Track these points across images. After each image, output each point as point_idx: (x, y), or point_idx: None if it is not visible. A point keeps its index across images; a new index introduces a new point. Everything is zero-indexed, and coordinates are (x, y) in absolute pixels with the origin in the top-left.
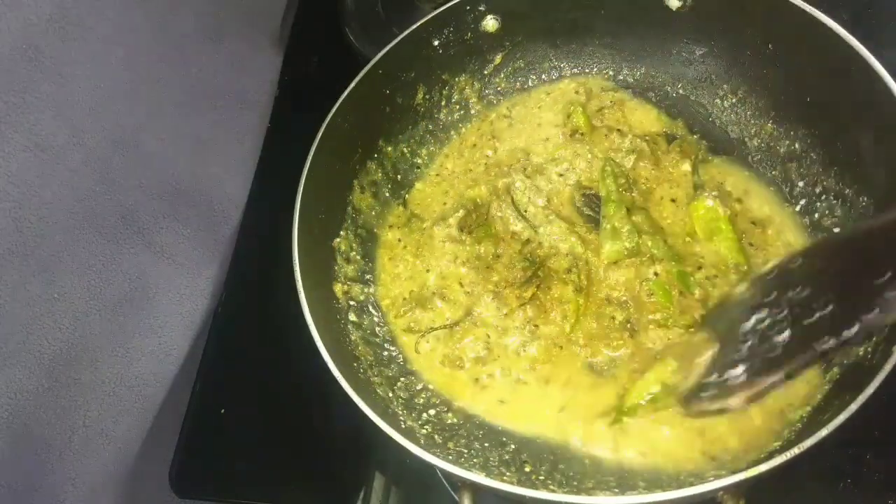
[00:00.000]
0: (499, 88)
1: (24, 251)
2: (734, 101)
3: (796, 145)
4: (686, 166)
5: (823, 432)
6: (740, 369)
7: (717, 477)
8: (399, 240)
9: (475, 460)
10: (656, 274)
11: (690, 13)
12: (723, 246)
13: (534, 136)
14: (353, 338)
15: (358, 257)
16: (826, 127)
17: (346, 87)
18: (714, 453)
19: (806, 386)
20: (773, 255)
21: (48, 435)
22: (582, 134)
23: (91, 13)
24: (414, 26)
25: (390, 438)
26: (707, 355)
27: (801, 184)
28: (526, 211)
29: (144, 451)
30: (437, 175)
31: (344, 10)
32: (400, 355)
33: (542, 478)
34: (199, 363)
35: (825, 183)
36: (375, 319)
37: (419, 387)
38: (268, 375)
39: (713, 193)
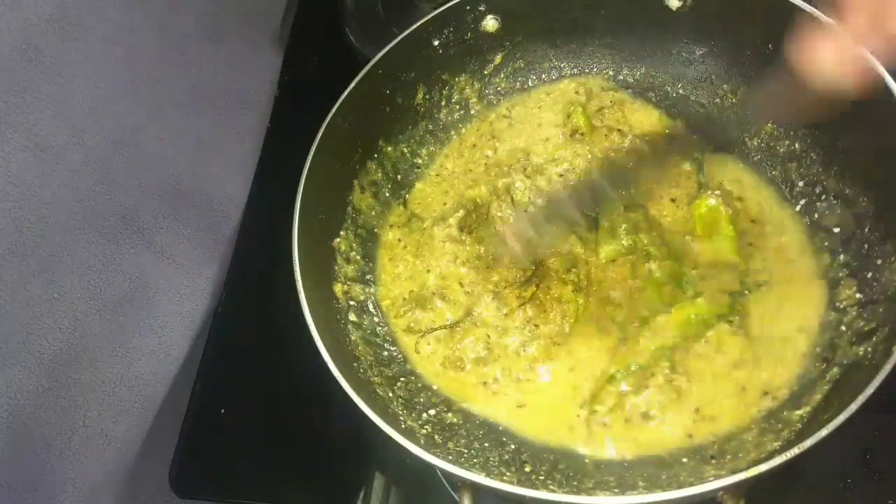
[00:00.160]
0: (499, 88)
1: (24, 251)
2: (734, 101)
3: (796, 145)
4: (686, 166)
5: (823, 432)
6: None
7: (717, 477)
8: (399, 240)
9: (475, 460)
10: (650, 271)
11: (690, 13)
12: (722, 245)
13: (534, 136)
14: (353, 338)
15: (358, 257)
16: (826, 127)
17: (346, 87)
18: (697, 434)
19: (785, 369)
20: (771, 255)
21: (48, 435)
22: (582, 134)
23: (91, 13)
24: (414, 26)
25: (390, 438)
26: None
27: (801, 184)
28: (526, 211)
29: (144, 451)
30: (438, 175)
31: (344, 10)
32: (400, 355)
33: (542, 478)
34: (199, 363)
35: (825, 183)
36: (375, 319)
37: (419, 387)
38: (268, 375)
39: (716, 192)
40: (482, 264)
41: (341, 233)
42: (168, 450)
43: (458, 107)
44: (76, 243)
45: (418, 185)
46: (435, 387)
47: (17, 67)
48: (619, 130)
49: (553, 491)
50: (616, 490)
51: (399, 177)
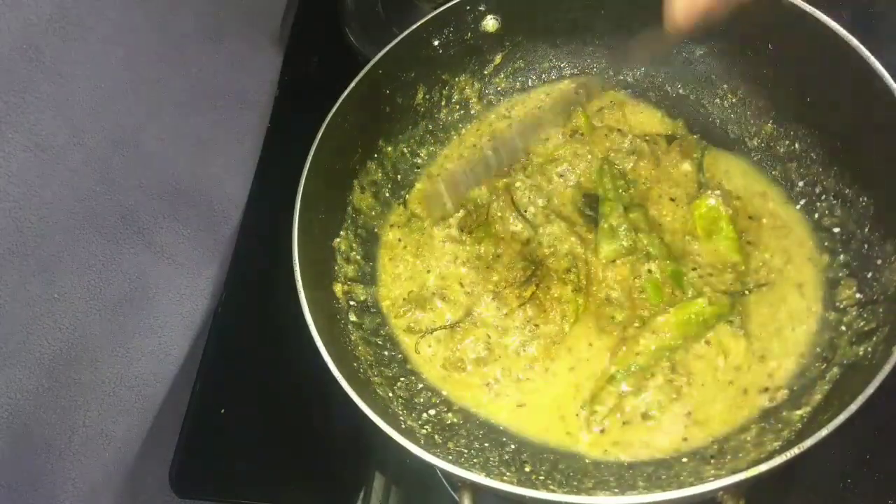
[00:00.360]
0: (499, 88)
1: (24, 251)
2: (734, 101)
3: (796, 145)
4: (686, 166)
5: (823, 432)
6: None
7: (717, 477)
8: (399, 239)
9: (475, 460)
10: (650, 271)
11: None
12: (722, 245)
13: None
14: (353, 338)
15: (358, 257)
16: (826, 127)
17: (346, 87)
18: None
19: (785, 369)
20: (771, 254)
21: (48, 435)
22: (582, 134)
23: (91, 13)
24: (414, 26)
25: (390, 438)
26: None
27: (801, 184)
28: (526, 211)
29: (144, 451)
30: (439, 175)
31: (344, 10)
32: (400, 355)
33: (542, 478)
34: (199, 363)
35: (825, 183)
36: (376, 320)
37: (419, 387)
38: (268, 375)
39: (716, 192)
40: (482, 264)
41: (341, 233)
42: (168, 450)
43: (458, 107)
44: (76, 243)
45: (418, 186)
46: (435, 387)
47: (17, 67)
48: (619, 130)
49: (553, 491)
50: (616, 490)
51: (399, 177)
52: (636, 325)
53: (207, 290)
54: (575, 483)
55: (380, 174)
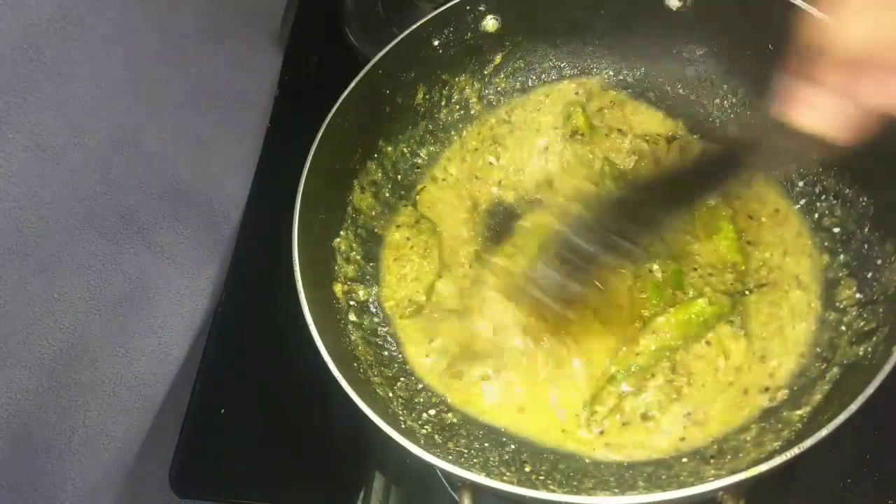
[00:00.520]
0: (499, 88)
1: (24, 251)
2: (734, 101)
3: None
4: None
5: (823, 432)
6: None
7: (717, 477)
8: (408, 238)
9: (475, 460)
10: (651, 272)
11: (690, 13)
12: (722, 245)
13: (534, 140)
14: (353, 338)
15: (358, 257)
16: None
17: (346, 87)
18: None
19: (785, 369)
20: (771, 254)
21: (48, 435)
22: (582, 134)
23: (91, 13)
24: (414, 26)
25: (390, 438)
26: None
27: (800, 184)
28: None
29: (144, 451)
30: (444, 180)
31: (344, 10)
32: (400, 355)
33: (542, 478)
34: (199, 363)
35: (825, 183)
36: (376, 320)
37: (419, 387)
38: (268, 375)
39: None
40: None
41: (341, 233)
42: (168, 450)
43: (458, 107)
44: (76, 243)
45: (427, 189)
46: (434, 390)
47: (17, 67)
48: (619, 130)
49: (553, 491)
50: (616, 490)
51: (399, 177)
52: (636, 325)
53: (207, 290)
54: (575, 483)
55: (380, 174)
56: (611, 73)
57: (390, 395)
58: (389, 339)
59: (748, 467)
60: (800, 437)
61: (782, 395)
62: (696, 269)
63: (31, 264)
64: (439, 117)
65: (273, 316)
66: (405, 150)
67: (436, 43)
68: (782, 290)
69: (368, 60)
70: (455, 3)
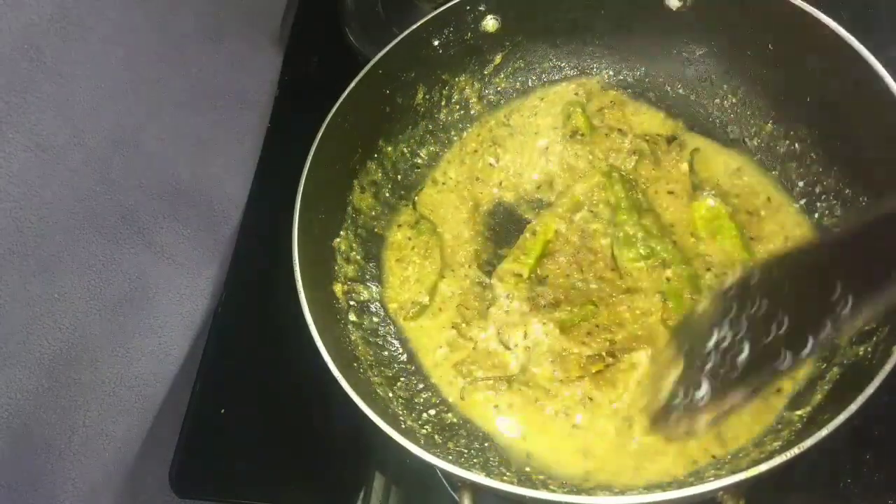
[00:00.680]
0: (499, 88)
1: (24, 251)
2: (734, 101)
3: (796, 145)
4: (686, 166)
5: (823, 432)
6: (704, 389)
7: (717, 477)
8: (409, 238)
9: (475, 460)
10: (668, 279)
11: (690, 13)
12: (727, 243)
13: (534, 143)
14: (353, 338)
15: (358, 257)
16: (826, 127)
17: (346, 87)
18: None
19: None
20: (774, 247)
21: (48, 435)
22: (582, 135)
23: (91, 13)
24: (414, 26)
25: (390, 438)
26: (672, 376)
27: (801, 184)
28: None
29: (144, 451)
30: (444, 183)
31: (344, 10)
32: (401, 355)
33: (542, 478)
34: (199, 363)
35: (825, 183)
36: (376, 319)
37: (419, 387)
38: (268, 375)
39: (712, 192)
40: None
41: (341, 233)
42: (168, 450)
43: (457, 107)
44: (76, 243)
45: (426, 190)
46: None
47: (18, 67)
48: (619, 130)
49: (553, 491)
50: (616, 490)
51: (399, 177)
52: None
53: (207, 290)
54: (575, 483)
55: (380, 174)
56: (611, 73)
57: (390, 395)
58: (390, 339)
59: (748, 467)
60: (800, 437)
61: (783, 395)
62: (709, 270)
63: (31, 264)
64: (439, 117)
65: (273, 316)
66: (405, 150)
67: (436, 43)
68: None
69: (368, 60)
70: (455, 3)
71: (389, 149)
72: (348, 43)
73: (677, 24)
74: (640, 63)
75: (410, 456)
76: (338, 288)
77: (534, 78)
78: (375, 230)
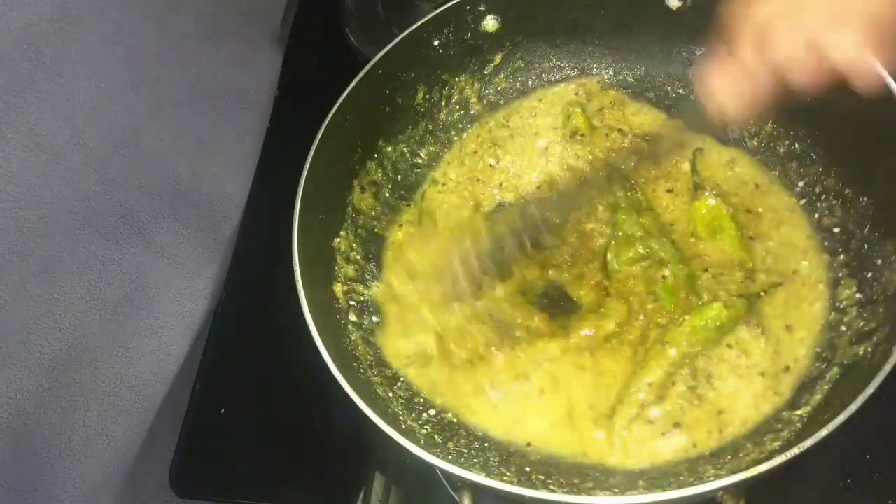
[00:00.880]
0: (499, 88)
1: (24, 251)
2: None
3: (796, 145)
4: (686, 166)
5: (823, 432)
6: None
7: (717, 477)
8: (411, 236)
9: (475, 460)
10: (664, 277)
11: (690, 13)
12: (726, 243)
13: (534, 142)
14: (353, 338)
15: (358, 257)
16: (826, 127)
17: (346, 87)
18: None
19: (788, 370)
20: (773, 251)
21: (48, 435)
22: (582, 135)
23: (91, 13)
24: (414, 26)
25: (390, 438)
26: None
27: (801, 184)
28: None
29: (144, 451)
30: (444, 184)
31: (344, 10)
32: None
33: (542, 478)
34: (199, 363)
35: (825, 183)
36: (376, 319)
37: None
38: (268, 375)
39: (713, 192)
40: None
41: (341, 233)
42: (168, 450)
43: (457, 107)
44: (76, 243)
45: (428, 191)
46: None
47: (17, 67)
48: (619, 130)
49: (553, 491)
50: (616, 490)
51: (399, 177)
52: (654, 332)
53: (207, 290)
54: (575, 483)
55: (380, 174)
56: (611, 73)
57: (390, 395)
58: None
59: (748, 467)
60: (800, 437)
61: (783, 395)
62: (706, 270)
63: (31, 264)
64: (439, 117)
65: (273, 316)
66: (405, 150)
67: (436, 43)
68: (785, 290)
69: (368, 60)
70: (455, 3)
71: (389, 149)
72: (348, 43)
73: (677, 24)
74: (640, 63)
75: (410, 456)
76: (338, 288)
77: (534, 78)
78: (375, 230)
